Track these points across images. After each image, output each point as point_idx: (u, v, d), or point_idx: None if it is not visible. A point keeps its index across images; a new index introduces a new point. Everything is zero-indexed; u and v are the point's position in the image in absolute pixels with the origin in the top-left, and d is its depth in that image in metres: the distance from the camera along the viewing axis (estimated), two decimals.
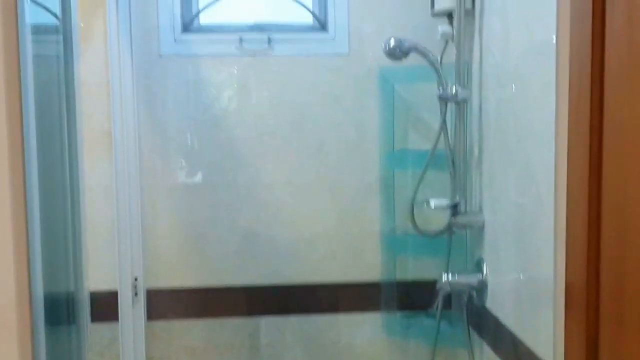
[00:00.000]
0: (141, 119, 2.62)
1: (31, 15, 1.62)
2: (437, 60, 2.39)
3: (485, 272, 2.34)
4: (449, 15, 2.47)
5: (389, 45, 2.31)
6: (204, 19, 2.71)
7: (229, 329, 2.75)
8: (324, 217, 2.73)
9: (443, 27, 2.47)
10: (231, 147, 2.70)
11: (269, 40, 2.65)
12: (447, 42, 2.47)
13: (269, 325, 2.77)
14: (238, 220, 2.71)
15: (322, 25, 2.72)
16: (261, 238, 2.72)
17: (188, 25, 2.68)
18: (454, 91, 2.34)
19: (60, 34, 1.94)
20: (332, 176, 2.72)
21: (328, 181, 2.72)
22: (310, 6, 2.73)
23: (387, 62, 2.39)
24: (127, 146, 2.56)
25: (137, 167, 2.60)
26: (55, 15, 1.94)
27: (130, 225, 2.58)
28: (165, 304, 2.71)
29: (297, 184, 2.71)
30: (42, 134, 1.65)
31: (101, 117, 2.57)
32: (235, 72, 2.69)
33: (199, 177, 2.72)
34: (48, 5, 1.91)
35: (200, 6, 2.70)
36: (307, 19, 2.74)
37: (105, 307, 2.54)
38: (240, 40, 2.64)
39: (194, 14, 2.69)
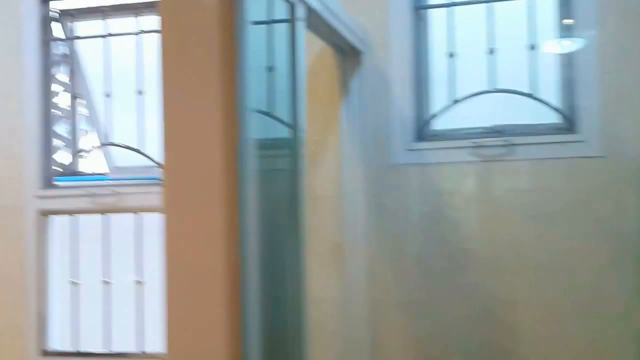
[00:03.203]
0: (371, 231, 2.52)
1: (262, 131, 1.63)
2: None
3: None
4: None
5: None
6: (437, 125, 2.59)
7: None
8: (573, 345, 2.34)
9: None
10: (465, 260, 2.48)
11: (509, 144, 2.44)
12: None
13: None
14: (472, 341, 2.44)
15: (570, 124, 2.44)
16: None
17: (420, 133, 2.57)
18: None
19: (290, 148, 1.94)
20: (583, 297, 2.34)
21: (577, 302, 2.35)
22: (554, 104, 2.49)
23: None
24: (358, 259, 2.47)
25: (367, 281, 2.49)
26: (289, 129, 1.95)
27: (359, 340, 2.44)
28: None
29: (539, 303, 2.38)
30: (269, 245, 1.61)
31: (332, 230, 2.52)
32: (471, 179, 2.50)
33: (431, 292, 2.51)
34: (284, 119, 1.92)
35: (433, 113, 2.60)
36: (551, 119, 2.49)
37: None
38: (476, 145, 2.47)
39: (426, 121, 2.59)
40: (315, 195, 2.23)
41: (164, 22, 1.55)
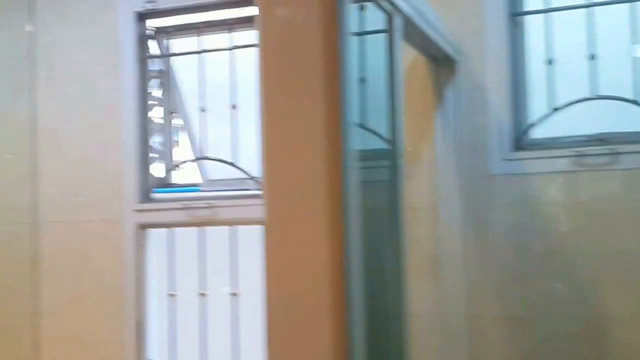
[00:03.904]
0: (468, 243, 2.45)
1: (361, 142, 1.62)
2: None
3: None
4: None
5: None
6: (536, 133, 2.51)
7: None
8: None
9: None
10: (568, 274, 2.37)
11: (613, 152, 2.33)
12: None
13: None
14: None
15: None
16: None
17: (519, 142, 2.50)
18: None
19: (389, 159, 1.92)
20: None
21: None
22: None
23: None
24: (454, 272, 2.41)
25: (463, 294, 2.42)
26: (384, 140, 1.94)
27: (456, 356, 2.38)
28: None
29: None
30: (367, 257, 1.59)
31: (428, 242, 2.47)
32: (573, 189, 2.40)
33: (531, 307, 2.42)
34: (379, 131, 1.91)
35: (532, 121, 2.51)
36: None
37: None
38: (578, 154, 2.37)
39: (524, 129, 2.51)
40: (410, 207, 2.18)
41: (263, 36, 1.56)
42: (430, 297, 2.46)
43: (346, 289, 1.52)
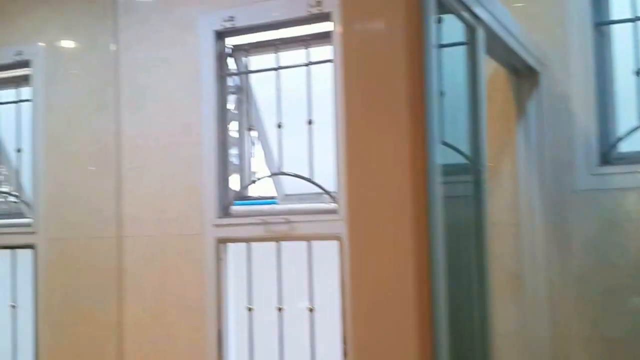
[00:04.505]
0: (552, 261, 2.37)
1: (442, 156, 1.59)
2: None
3: None
4: None
5: None
6: (624, 147, 2.41)
7: None
8: None
9: None
10: None
11: None
12: None
13: None
14: None
15: None
16: None
17: (606, 156, 2.40)
18: None
19: (471, 175, 1.88)
20: None
21: None
22: None
23: None
24: (538, 290, 2.33)
25: (547, 314, 2.34)
26: (465, 157, 1.90)
27: None
28: None
29: None
30: (451, 274, 1.56)
31: (509, 259, 2.40)
32: None
33: (619, 327, 2.32)
34: (459, 146, 1.88)
35: (619, 134, 2.42)
36: None
37: None
38: None
39: (612, 143, 2.42)
40: (491, 223, 2.13)
41: (345, 50, 1.55)
42: (512, 316, 2.38)
43: (432, 307, 1.49)
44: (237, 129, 3.14)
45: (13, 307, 3.38)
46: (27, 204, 3.49)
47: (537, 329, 2.35)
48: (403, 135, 1.47)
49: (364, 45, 1.53)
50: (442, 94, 1.76)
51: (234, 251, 2.99)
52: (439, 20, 1.76)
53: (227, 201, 2.98)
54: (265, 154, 3.20)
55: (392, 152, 1.48)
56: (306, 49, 2.93)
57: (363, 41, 1.53)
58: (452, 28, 1.84)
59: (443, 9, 1.66)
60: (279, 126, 2.98)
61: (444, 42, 1.78)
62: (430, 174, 1.50)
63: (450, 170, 1.72)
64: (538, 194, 2.38)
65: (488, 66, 2.27)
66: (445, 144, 1.75)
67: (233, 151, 3.13)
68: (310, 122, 2.91)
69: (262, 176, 3.15)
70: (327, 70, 2.78)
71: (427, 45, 1.53)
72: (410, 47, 1.49)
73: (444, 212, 1.54)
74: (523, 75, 2.42)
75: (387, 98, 1.49)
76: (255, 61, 3.09)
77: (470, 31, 1.87)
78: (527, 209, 2.38)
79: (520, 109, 2.43)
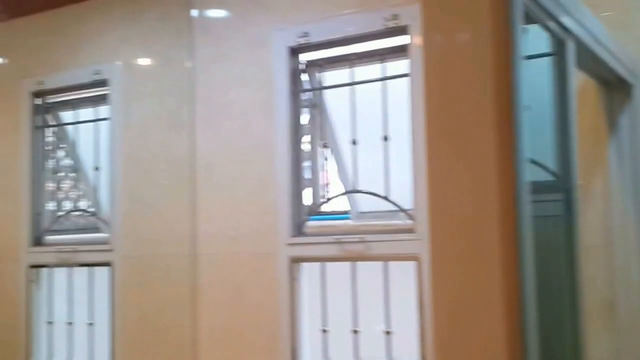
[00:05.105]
0: None
1: (530, 174, 1.50)
2: None
3: None
4: None
5: None
6: None
7: None
8: None
9: None
10: None
11: None
12: None
13: None
14: None
15: None
16: None
17: None
18: None
19: (561, 193, 1.77)
20: None
21: None
22: None
23: None
24: (633, 318, 2.18)
25: None
26: (554, 174, 1.80)
27: None
28: None
29: None
30: (541, 299, 1.46)
31: (601, 283, 2.25)
32: None
33: None
34: (545, 162, 1.78)
35: None
36: None
37: None
38: None
39: None
40: (582, 245, 2.00)
41: (427, 63, 1.48)
42: (605, 346, 2.23)
43: (522, 336, 1.39)
44: (310, 144, 3.10)
45: (90, 324, 3.42)
46: (104, 221, 3.55)
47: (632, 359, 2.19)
48: (490, 151, 1.38)
49: (447, 57, 1.46)
50: (527, 107, 1.67)
51: (308, 271, 2.93)
52: (524, 31, 1.67)
53: (300, 220, 2.93)
54: (339, 170, 3.15)
55: (478, 169, 1.40)
56: (381, 63, 2.86)
57: (446, 53, 1.46)
58: (536, 38, 1.75)
59: (528, 19, 1.57)
60: (354, 142, 2.92)
61: (530, 53, 1.69)
62: (519, 192, 1.41)
63: (538, 188, 1.62)
64: (632, 213, 2.23)
65: (577, 77, 2.16)
66: (532, 160, 1.66)
67: (308, 169, 3.08)
68: (385, 138, 2.84)
69: (336, 194, 3.09)
70: (403, 84, 2.70)
71: (515, 57, 1.44)
72: (498, 59, 1.41)
73: (533, 232, 1.44)
74: (614, 87, 2.28)
75: (472, 112, 1.42)
76: (330, 76, 3.05)
77: (559, 42, 1.77)
78: (621, 231, 2.23)
79: (612, 123, 2.29)
